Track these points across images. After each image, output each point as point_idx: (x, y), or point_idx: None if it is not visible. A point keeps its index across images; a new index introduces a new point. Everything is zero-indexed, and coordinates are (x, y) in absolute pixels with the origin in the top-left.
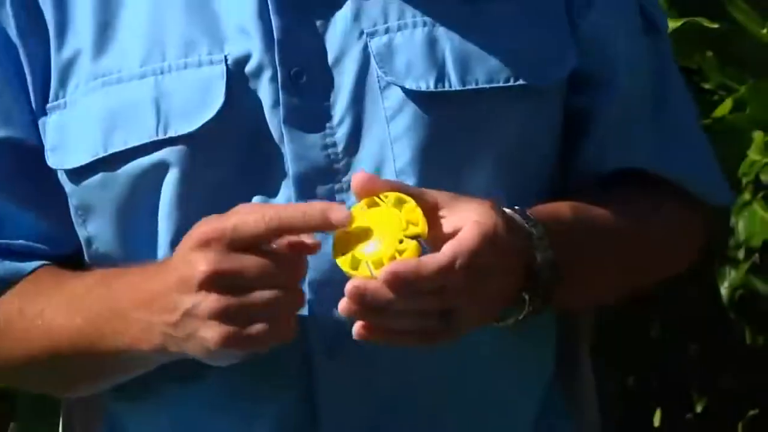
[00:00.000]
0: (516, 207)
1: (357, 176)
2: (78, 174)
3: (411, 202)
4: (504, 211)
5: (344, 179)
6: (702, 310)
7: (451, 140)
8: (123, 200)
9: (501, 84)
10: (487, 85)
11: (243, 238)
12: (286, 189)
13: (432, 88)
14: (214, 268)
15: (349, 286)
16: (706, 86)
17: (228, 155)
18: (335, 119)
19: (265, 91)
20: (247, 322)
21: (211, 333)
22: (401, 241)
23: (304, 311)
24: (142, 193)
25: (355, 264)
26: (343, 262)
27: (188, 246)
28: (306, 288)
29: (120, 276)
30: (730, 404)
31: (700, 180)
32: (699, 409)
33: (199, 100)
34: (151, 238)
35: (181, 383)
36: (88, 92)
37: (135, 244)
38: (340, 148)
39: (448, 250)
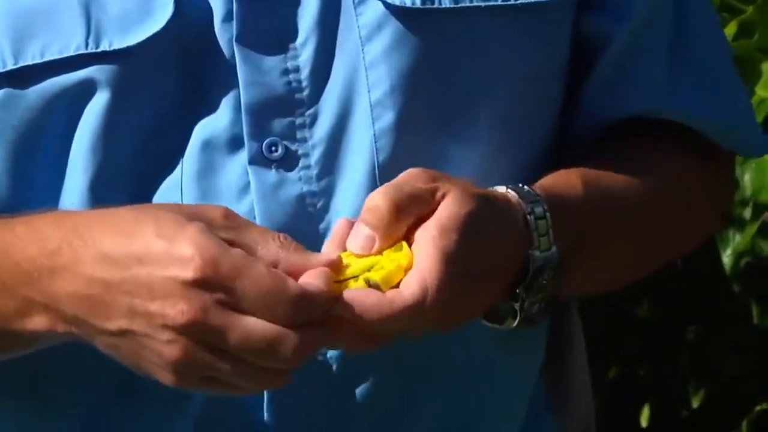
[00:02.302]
0: (520, 186)
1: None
2: None
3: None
4: (480, 205)
5: (308, 112)
6: (700, 283)
7: (440, 68)
8: (27, 127)
9: (499, 2)
10: (483, 3)
11: (248, 304)
12: (236, 121)
13: (418, 4)
14: (199, 319)
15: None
16: None
17: (169, 78)
18: (299, 39)
19: (216, 0)
20: (206, 377)
21: (166, 375)
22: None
23: None
24: (56, 120)
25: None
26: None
27: (182, 273)
28: None
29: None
30: (733, 398)
31: (728, 127)
32: (696, 404)
33: (141, 9)
34: (54, 179)
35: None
36: None
37: (30, 187)
38: (303, 74)
39: (413, 287)
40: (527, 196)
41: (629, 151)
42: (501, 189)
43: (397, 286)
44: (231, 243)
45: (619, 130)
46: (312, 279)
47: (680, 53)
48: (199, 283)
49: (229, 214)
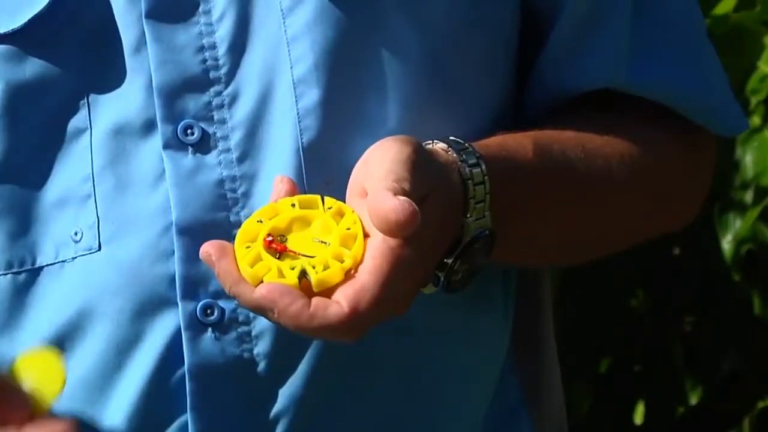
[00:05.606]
0: (461, 143)
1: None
2: None
3: (352, 216)
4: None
5: (225, 92)
6: (698, 271)
7: (367, 40)
8: None
9: None
10: None
11: None
12: (149, 104)
13: None
14: None
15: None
16: None
17: (69, 62)
18: (214, 14)
19: None
20: None
21: None
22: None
23: (170, 266)
24: None
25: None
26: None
27: None
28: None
29: None
30: (734, 394)
31: (700, 102)
32: (694, 401)
33: None
34: None
35: None
36: None
37: None
38: (220, 51)
39: (342, 309)
40: (467, 159)
41: (593, 119)
42: (442, 146)
43: (332, 288)
44: None
45: (582, 106)
46: None
47: (643, 23)
48: None
49: None
